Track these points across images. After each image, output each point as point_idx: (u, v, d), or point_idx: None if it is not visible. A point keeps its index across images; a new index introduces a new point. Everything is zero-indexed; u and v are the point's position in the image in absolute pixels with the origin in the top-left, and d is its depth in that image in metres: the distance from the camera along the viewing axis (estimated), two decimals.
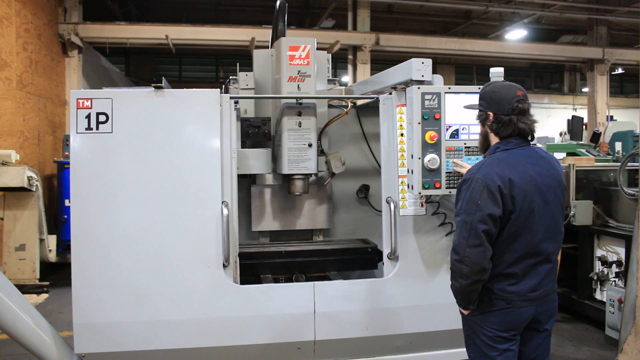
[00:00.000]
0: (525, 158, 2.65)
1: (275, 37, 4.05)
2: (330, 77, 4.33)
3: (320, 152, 3.98)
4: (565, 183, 2.79)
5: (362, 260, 3.88)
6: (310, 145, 3.76)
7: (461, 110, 3.15)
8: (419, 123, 3.17)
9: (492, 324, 2.62)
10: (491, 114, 2.67)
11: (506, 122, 2.63)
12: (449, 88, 3.21)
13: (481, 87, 2.83)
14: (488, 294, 2.61)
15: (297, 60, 3.68)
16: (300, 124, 3.75)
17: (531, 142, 2.75)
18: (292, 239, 4.27)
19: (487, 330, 2.63)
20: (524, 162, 2.63)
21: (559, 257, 5.03)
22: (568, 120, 10.21)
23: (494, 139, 2.72)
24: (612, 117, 14.32)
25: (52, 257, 7.37)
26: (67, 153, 8.02)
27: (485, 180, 2.53)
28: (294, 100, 3.69)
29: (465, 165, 3.13)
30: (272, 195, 4.15)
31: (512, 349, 2.65)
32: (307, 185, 3.94)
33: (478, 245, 2.50)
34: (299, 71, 3.68)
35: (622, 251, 5.24)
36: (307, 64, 3.69)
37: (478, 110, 2.77)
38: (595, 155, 7.38)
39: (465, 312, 2.70)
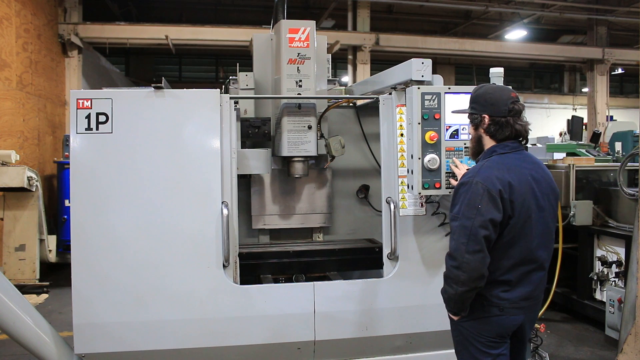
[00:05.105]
0: (522, 162, 2.60)
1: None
2: (330, 78, 4.33)
3: (320, 136, 3.97)
4: (558, 190, 2.75)
5: (368, 260, 3.84)
6: (310, 127, 3.76)
7: None
8: (419, 123, 3.17)
9: (485, 331, 2.59)
10: (486, 116, 2.63)
11: (503, 124, 2.59)
12: (449, 88, 3.21)
13: None
14: (480, 300, 2.56)
15: (297, 43, 3.67)
16: (299, 106, 3.75)
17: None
18: (292, 237, 4.26)
19: (480, 337, 2.60)
20: (521, 166, 2.58)
21: (558, 258, 5.11)
22: (568, 120, 10.17)
23: (488, 143, 2.66)
24: (612, 117, 14.30)
25: (52, 257, 7.37)
26: (67, 153, 8.02)
27: (486, 183, 2.46)
28: (294, 87, 3.68)
29: (461, 165, 3.07)
30: (272, 179, 4.15)
31: (505, 353, 2.62)
32: (307, 167, 3.94)
33: (478, 252, 2.42)
34: (298, 53, 3.68)
35: (622, 251, 5.24)
36: (306, 47, 3.68)
37: (470, 114, 2.72)
38: (595, 155, 7.35)
39: (455, 318, 2.66)
